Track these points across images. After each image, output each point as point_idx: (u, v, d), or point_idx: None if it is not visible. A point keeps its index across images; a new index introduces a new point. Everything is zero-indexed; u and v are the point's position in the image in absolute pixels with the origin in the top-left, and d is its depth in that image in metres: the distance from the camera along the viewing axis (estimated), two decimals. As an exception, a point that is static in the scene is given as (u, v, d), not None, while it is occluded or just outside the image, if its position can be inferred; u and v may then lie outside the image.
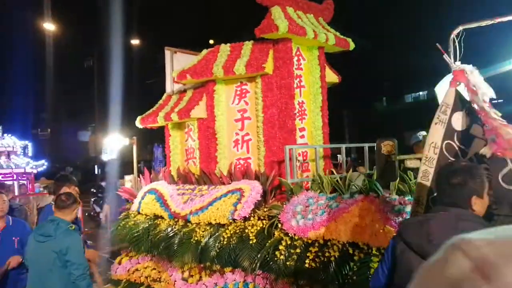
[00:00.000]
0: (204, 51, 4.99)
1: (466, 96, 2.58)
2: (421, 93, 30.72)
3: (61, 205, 3.57)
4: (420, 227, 1.90)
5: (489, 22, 2.77)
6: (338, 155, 5.61)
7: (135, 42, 34.41)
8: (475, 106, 2.52)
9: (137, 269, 5.15)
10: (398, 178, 3.31)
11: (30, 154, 12.18)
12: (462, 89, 2.71)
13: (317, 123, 5.03)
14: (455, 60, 3.10)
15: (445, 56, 2.81)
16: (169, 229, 4.73)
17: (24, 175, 10.67)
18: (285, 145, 4.20)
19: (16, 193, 9.22)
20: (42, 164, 11.66)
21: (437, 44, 3.14)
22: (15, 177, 10.55)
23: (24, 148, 11.89)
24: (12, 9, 26.55)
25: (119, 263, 5.36)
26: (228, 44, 4.92)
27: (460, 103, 2.59)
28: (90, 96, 33.43)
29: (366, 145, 4.81)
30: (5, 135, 11.42)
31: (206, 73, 4.67)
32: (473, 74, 2.62)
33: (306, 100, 5.01)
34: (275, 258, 3.67)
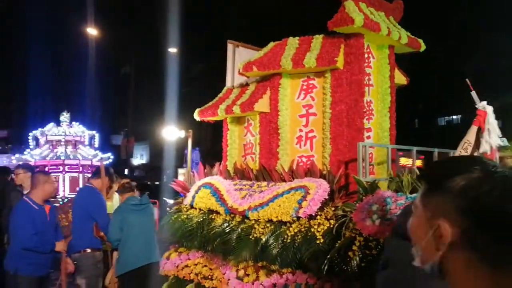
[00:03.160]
0: (271, 44, 4.86)
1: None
2: (454, 117, 30.15)
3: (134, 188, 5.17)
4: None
5: None
6: None
7: (172, 50, 34.91)
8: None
9: (186, 265, 4.97)
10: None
11: (96, 145, 11.84)
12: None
13: (384, 125, 4.79)
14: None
15: (473, 93, 2.91)
16: (225, 224, 4.54)
17: (89, 168, 10.41)
18: (358, 142, 3.98)
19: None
20: (108, 157, 11.39)
21: (466, 79, 3.35)
22: (81, 169, 10.29)
23: (91, 138, 11.58)
24: (58, 14, 27.43)
25: (167, 258, 5.19)
26: (297, 38, 4.77)
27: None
28: (124, 102, 33.96)
29: (436, 150, 4.57)
30: (73, 123, 11.15)
31: (274, 66, 4.52)
32: (491, 115, 2.80)
33: (374, 99, 4.78)
34: (348, 259, 3.43)
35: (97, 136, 11.63)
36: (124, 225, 4.89)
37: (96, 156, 10.82)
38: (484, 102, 2.87)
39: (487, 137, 2.76)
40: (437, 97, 27.05)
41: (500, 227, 0.83)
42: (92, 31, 23.96)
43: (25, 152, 10.70)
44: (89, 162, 10.33)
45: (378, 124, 4.80)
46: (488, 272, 0.83)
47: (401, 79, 5.18)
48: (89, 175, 10.21)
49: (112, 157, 11.79)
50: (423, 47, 5.04)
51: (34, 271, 4.59)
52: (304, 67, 4.40)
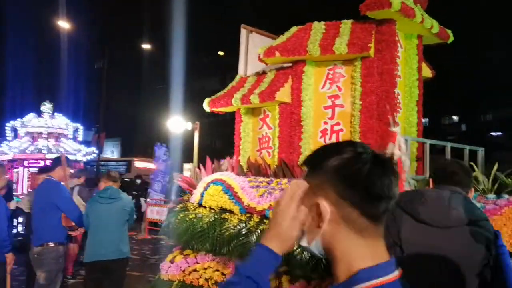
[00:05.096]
0: (294, 28, 4.46)
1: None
2: (423, 120, 30.67)
3: (114, 178, 5.04)
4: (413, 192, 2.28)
5: None
6: None
7: (145, 46, 34.05)
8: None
9: (194, 270, 4.50)
10: None
11: (80, 139, 10.92)
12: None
13: (411, 119, 4.47)
14: None
15: (390, 118, 3.58)
16: (242, 225, 4.11)
17: (73, 163, 9.58)
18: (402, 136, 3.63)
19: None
20: (92, 152, 10.63)
21: (386, 105, 3.90)
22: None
23: (74, 132, 10.69)
24: (28, 7, 26.35)
25: (171, 261, 4.71)
26: (322, 22, 4.38)
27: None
28: (96, 97, 33.15)
29: (467, 147, 4.31)
30: (55, 114, 10.29)
31: (299, 51, 4.13)
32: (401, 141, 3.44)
33: (401, 92, 4.45)
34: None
35: (81, 129, 10.82)
36: (91, 215, 4.85)
37: (80, 151, 10.08)
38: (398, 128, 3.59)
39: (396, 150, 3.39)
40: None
41: (367, 201, 0.94)
42: (65, 24, 22.96)
43: (2, 144, 9.91)
44: (73, 157, 9.56)
45: (405, 118, 4.47)
46: (362, 242, 0.96)
47: (426, 71, 4.87)
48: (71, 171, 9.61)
49: (96, 151, 11.08)
50: (451, 39, 4.75)
51: (3, 257, 4.65)
52: (333, 53, 4.03)
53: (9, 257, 4.70)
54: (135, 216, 5.26)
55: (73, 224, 5.04)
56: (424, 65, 4.83)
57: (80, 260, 6.49)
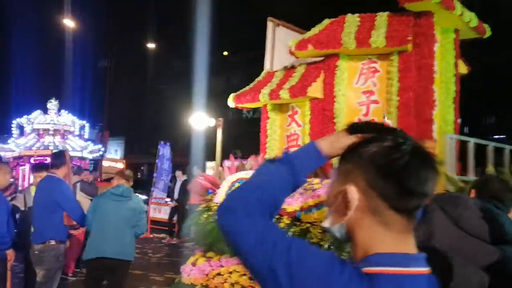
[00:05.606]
0: (326, 21, 4.25)
1: None
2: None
3: (127, 177, 4.68)
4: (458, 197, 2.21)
5: None
6: None
7: (150, 45, 33.81)
8: None
9: (219, 273, 4.29)
10: None
11: (86, 136, 10.74)
12: None
13: (448, 117, 4.26)
14: None
15: (384, 110, 3.62)
16: (271, 227, 3.91)
17: (78, 161, 9.27)
18: (445, 134, 3.44)
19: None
20: (99, 150, 10.42)
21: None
22: (69, 161, 9.35)
23: (81, 129, 10.51)
24: (34, 5, 26.17)
25: (193, 264, 4.50)
26: (357, 14, 4.18)
27: None
28: (101, 96, 32.97)
29: (507, 147, 4.12)
30: (62, 111, 10.13)
31: (333, 44, 3.93)
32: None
33: (437, 88, 4.24)
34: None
35: (87, 126, 10.66)
36: (98, 210, 4.63)
37: (87, 148, 9.89)
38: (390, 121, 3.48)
39: None
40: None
41: (398, 195, 0.87)
42: (70, 22, 22.73)
43: (9, 141, 9.73)
44: (79, 154, 9.40)
45: (441, 116, 4.25)
46: (387, 234, 0.90)
47: (462, 67, 4.67)
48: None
49: (103, 149, 10.91)
50: (488, 33, 4.55)
51: (3, 253, 4.55)
52: (369, 47, 3.82)
53: (10, 253, 4.58)
54: (144, 221, 4.86)
55: (75, 223, 4.87)
56: (459, 60, 4.63)
57: (82, 258, 6.30)
